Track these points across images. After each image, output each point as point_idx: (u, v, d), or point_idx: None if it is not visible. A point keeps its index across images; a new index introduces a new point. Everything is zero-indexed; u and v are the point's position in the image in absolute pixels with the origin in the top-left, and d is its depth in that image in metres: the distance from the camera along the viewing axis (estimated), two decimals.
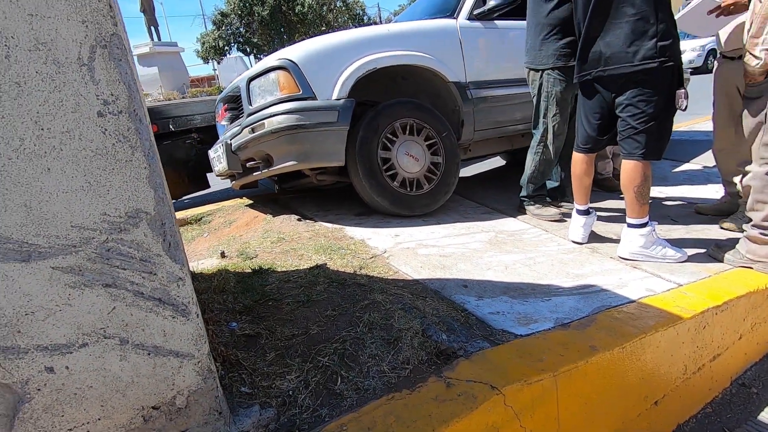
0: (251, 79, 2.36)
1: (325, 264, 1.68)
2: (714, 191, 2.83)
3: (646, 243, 1.78)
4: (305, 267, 1.67)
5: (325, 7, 16.63)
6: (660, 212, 2.43)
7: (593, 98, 1.87)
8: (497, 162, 4.49)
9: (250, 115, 2.37)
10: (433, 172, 2.54)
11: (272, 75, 2.24)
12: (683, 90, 1.68)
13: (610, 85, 1.78)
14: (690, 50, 12.89)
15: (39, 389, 0.70)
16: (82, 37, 0.63)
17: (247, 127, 2.33)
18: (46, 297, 0.68)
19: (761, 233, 1.66)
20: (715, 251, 1.82)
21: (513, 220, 2.45)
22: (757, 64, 1.59)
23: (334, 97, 2.23)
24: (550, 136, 2.37)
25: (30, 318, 0.67)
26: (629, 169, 1.77)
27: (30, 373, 0.69)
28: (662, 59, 1.61)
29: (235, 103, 2.72)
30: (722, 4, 1.84)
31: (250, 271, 1.64)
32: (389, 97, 2.56)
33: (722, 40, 2.04)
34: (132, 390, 0.77)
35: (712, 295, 1.50)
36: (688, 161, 3.67)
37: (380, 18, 24.41)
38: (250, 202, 3.09)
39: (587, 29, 1.77)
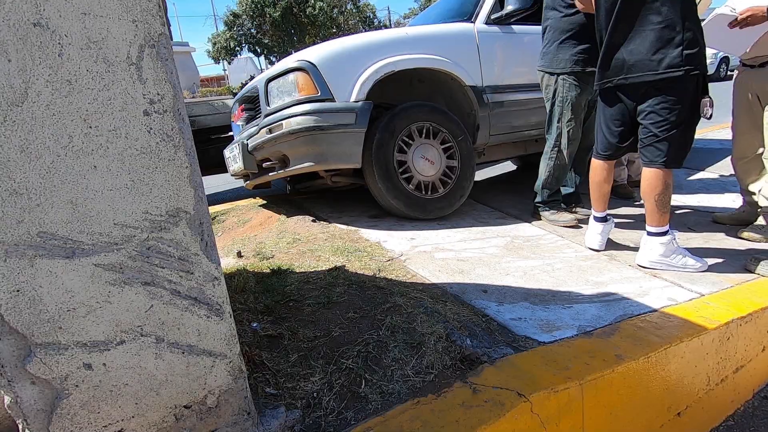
0: (270, 79, 2.37)
1: (344, 266, 1.68)
2: (731, 200, 2.80)
3: (666, 251, 1.77)
4: (324, 268, 1.67)
5: (336, 10, 16.71)
6: (677, 221, 2.41)
7: (614, 106, 1.86)
8: (509, 166, 4.49)
9: (267, 115, 2.38)
10: (448, 176, 2.54)
11: (291, 76, 2.25)
12: (708, 98, 1.66)
13: (633, 93, 1.77)
14: None
15: (77, 386, 0.70)
16: (132, 37, 0.64)
17: (264, 127, 2.34)
18: (88, 294, 0.68)
19: None
20: (753, 264, 1.79)
21: (528, 225, 2.44)
22: None
23: (353, 99, 2.23)
24: (564, 141, 2.36)
25: (71, 314, 0.68)
26: (650, 176, 1.76)
27: (69, 370, 0.69)
28: (688, 67, 1.60)
29: (252, 104, 2.73)
30: (738, 18, 1.83)
31: (268, 271, 1.64)
32: (405, 100, 2.56)
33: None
34: (166, 388, 0.78)
35: (736, 306, 1.49)
36: (703, 169, 3.64)
37: (390, 21, 24.49)
38: (264, 202, 3.10)
39: (610, 36, 1.76)
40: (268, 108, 2.39)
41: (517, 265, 1.82)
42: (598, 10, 1.82)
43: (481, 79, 2.66)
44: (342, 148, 2.24)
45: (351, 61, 2.26)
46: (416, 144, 2.46)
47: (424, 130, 2.47)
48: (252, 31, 16.78)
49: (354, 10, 18.21)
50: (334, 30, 17.14)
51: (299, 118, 2.18)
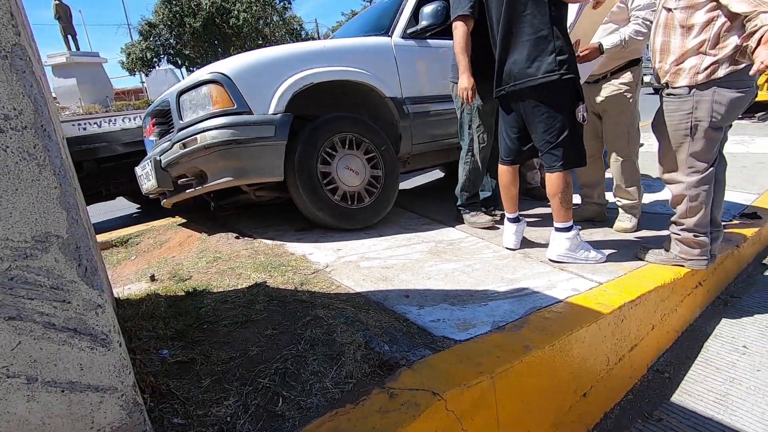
0: (181, 92, 2.26)
1: (265, 282, 1.63)
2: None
3: (571, 246, 1.93)
4: (243, 286, 1.61)
5: (261, 21, 16.41)
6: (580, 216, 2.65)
7: (510, 114, 2.02)
8: (437, 174, 4.66)
9: (181, 129, 2.26)
10: (373, 185, 2.58)
11: (204, 89, 2.17)
12: (582, 103, 1.85)
13: (520, 100, 1.93)
14: None
15: None
16: None
17: (178, 142, 2.23)
18: None
19: (695, 235, 1.86)
20: (644, 254, 2.01)
21: (452, 229, 2.54)
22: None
23: (271, 111, 2.20)
24: (476, 146, 2.50)
25: None
26: (552, 180, 1.92)
27: None
28: (562, 72, 1.78)
29: (164, 118, 2.59)
30: (580, 54, 2.13)
31: (183, 293, 1.55)
32: (331, 112, 2.57)
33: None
34: None
35: (627, 291, 1.66)
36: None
37: (318, 33, 24.51)
38: (184, 221, 2.93)
39: (500, 48, 1.92)
40: (181, 122, 2.28)
41: (439, 268, 1.89)
42: (490, 24, 1.98)
43: (401, 90, 2.75)
44: (262, 162, 2.19)
45: (267, 74, 2.23)
46: (340, 155, 2.47)
47: (347, 141, 2.50)
48: (171, 41, 15.91)
49: (280, 22, 17.98)
50: (261, 41, 16.79)
51: (215, 131, 2.10)
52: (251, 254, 2.06)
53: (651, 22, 1.99)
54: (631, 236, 2.33)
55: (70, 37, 16.43)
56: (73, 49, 16.15)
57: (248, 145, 2.13)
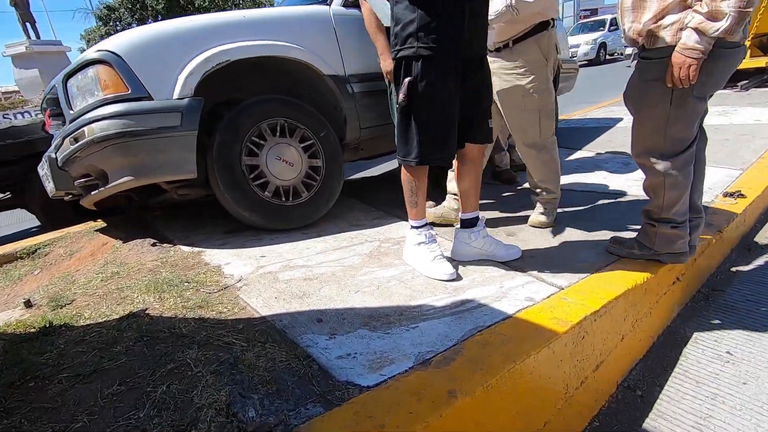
0: (68, 76, 1.89)
1: (145, 310, 1.32)
2: (602, 177, 2.86)
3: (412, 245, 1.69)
4: (117, 316, 1.29)
5: (230, 1, 15.51)
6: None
7: None
8: None
9: (72, 121, 1.90)
10: (312, 178, 2.25)
11: (91, 71, 1.80)
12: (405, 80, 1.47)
13: None
14: (584, 44, 13.93)
15: None
16: None
17: (68, 136, 1.87)
18: None
19: (672, 226, 1.59)
20: (616, 248, 1.73)
21: (405, 224, 2.23)
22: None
23: (176, 96, 1.85)
24: None
25: None
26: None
27: None
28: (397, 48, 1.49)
29: (59, 107, 2.21)
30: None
31: (36, 330, 1.23)
32: (267, 94, 2.23)
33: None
34: None
35: (591, 299, 1.38)
36: (580, 149, 3.76)
37: None
38: (104, 225, 2.58)
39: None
40: (71, 112, 1.91)
41: (373, 277, 1.59)
42: None
43: (343, 67, 2.40)
44: (168, 156, 1.85)
45: (170, 50, 1.87)
46: (270, 144, 2.14)
47: (279, 128, 2.16)
48: (133, 25, 15.03)
49: (249, 2, 17.11)
50: None
51: (104, 122, 1.74)
52: (157, 267, 1.74)
53: None
54: (602, 228, 2.05)
55: (28, 24, 15.49)
56: (33, 37, 15.24)
57: (147, 138, 1.78)
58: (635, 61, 1.51)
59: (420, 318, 1.28)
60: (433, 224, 1.96)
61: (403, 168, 1.60)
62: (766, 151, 3.03)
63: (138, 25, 14.83)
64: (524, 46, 1.85)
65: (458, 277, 1.56)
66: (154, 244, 2.09)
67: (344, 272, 1.64)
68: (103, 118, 1.74)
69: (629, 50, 11.21)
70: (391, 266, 1.69)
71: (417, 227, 1.67)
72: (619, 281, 1.49)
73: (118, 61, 1.77)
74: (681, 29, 1.31)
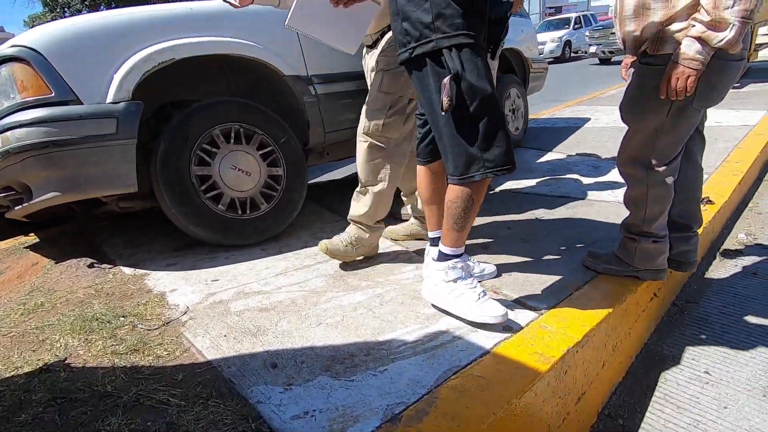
0: None
1: (65, 360, 1.12)
2: (574, 181, 2.82)
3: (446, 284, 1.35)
4: (31, 368, 1.09)
5: None
6: (526, 209, 2.28)
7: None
8: None
9: None
10: (272, 188, 2.07)
11: (4, 70, 1.55)
12: (448, 77, 1.17)
13: None
14: (550, 41, 14.15)
15: None
16: None
17: None
18: None
19: (654, 241, 1.51)
20: (593, 262, 1.64)
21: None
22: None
23: (110, 99, 1.62)
24: None
25: None
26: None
27: None
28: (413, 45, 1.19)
29: None
30: None
31: None
32: (226, 95, 2.02)
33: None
34: None
35: (573, 326, 1.28)
36: (551, 150, 3.72)
37: None
38: (37, 240, 2.30)
39: None
40: None
41: (338, 304, 1.44)
42: None
43: (305, 67, 2.22)
44: (102, 169, 1.62)
45: (102, 47, 1.63)
46: (223, 152, 1.94)
47: (234, 134, 1.96)
48: (84, 12, 14.01)
49: None
50: None
51: (22, 130, 1.50)
52: (89, 297, 1.53)
53: None
54: (574, 237, 1.98)
55: None
56: None
57: (76, 148, 1.55)
58: (631, 69, 1.42)
59: (389, 358, 1.15)
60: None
61: (456, 186, 1.25)
62: (730, 155, 3.08)
63: (90, 12, 13.76)
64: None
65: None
66: (91, 265, 1.85)
67: (306, 299, 1.48)
68: (21, 125, 1.49)
69: (593, 49, 11.44)
70: (357, 289, 1.54)
71: (454, 256, 1.32)
72: (599, 302, 1.41)
73: (37, 59, 1.52)
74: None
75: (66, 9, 13.82)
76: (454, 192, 1.26)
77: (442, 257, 1.33)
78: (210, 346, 1.20)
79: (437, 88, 1.16)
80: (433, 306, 1.38)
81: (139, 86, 1.69)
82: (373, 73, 1.72)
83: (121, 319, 1.35)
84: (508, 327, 1.29)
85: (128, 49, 1.67)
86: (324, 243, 1.68)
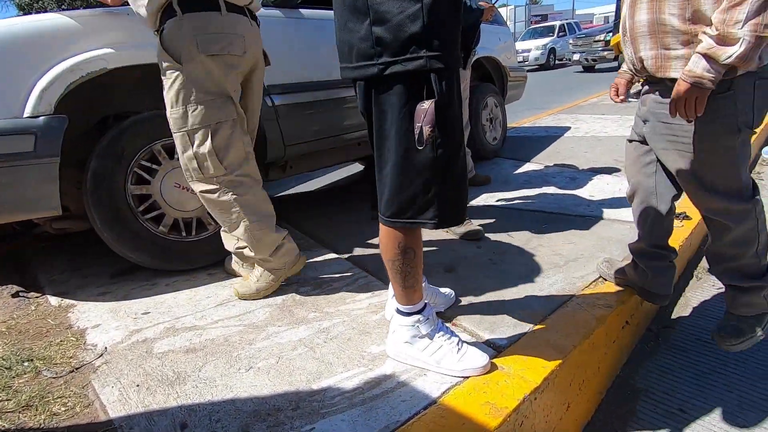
0: None
1: None
2: (550, 194, 2.71)
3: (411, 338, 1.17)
4: None
5: None
6: (502, 222, 2.16)
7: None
8: (357, 168, 4.00)
9: None
10: None
11: None
12: (423, 107, 0.95)
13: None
14: (535, 49, 14.22)
15: None
16: None
17: None
18: None
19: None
20: (608, 272, 1.58)
21: (334, 257, 1.95)
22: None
23: (28, 113, 1.46)
24: None
25: None
26: (381, 235, 1.12)
27: None
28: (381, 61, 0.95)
29: None
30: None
31: None
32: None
33: None
34: None
35: (532, 368, 1.15)
36: (529, 161, 3.62)
37: None
38: None
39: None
40: None
41: (277, 342, 1.29)
42: None
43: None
44: (18, 191, 1.45)
45: (17, 55, 1.47)
46: (166, 168, 1.78)
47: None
48: (64, 7, 13.59)
49: None
50: None
51: None
52: (0, 334, 1.36)
53: None
54: (550, 253, 1.86)
55: None
56: None
57: None
58: (642, 96, 1.29)
59: (320, 412, 1.00)
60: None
61: (392, 231, 1.05)
62: None
63: (69, 7, 13.43)
64: None
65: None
66: (15, 294, 1.68)
67: (242, 336, 1.33)
68: None
69: (576, 56, 11.48)
70: (302, 323, 1.40)
71: (416, 313, 1.15)
72: (565, 336, 1.28)
73: None
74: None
75: (43, 12, 13.44)
76: (390, 238, 1.07)
77: (404, 314, 1.16)
78: (117, 399, 1.05)
79: (408, 113, 0.95)
80: (404, 362, 1.18)
81: (75, 98, 1.54)
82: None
83: (25, 364, 1.18)
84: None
85: (50, 59, 1.51)
86: (235, 288, 1.55)
